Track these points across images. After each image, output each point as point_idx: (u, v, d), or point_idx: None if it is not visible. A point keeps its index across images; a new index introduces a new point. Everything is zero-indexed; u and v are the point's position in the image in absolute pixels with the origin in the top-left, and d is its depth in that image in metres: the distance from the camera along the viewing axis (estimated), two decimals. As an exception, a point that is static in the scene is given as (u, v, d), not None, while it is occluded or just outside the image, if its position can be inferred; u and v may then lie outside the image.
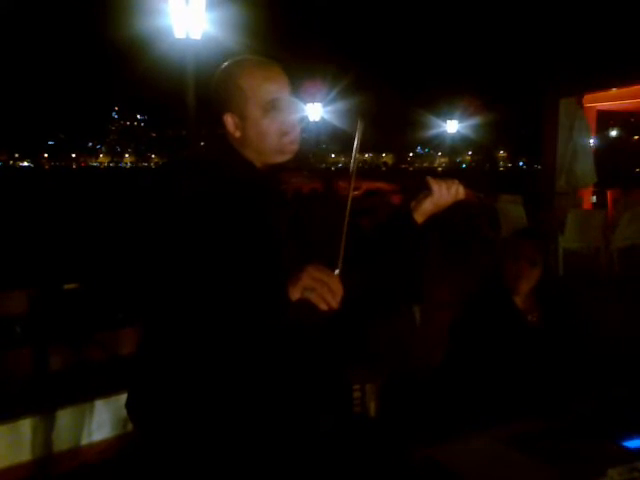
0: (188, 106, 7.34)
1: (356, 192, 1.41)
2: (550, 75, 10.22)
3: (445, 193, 1.51)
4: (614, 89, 9.39)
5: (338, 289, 1.24)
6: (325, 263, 1.32)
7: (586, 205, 9.37)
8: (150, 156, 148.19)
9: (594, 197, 9.57)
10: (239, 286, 1.27)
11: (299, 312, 1.26)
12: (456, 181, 1.53)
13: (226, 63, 1.48)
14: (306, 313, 1.25)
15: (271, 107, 1.43)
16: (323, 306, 1.23)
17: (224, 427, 1.40)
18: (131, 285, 1.36)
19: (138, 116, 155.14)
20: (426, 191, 1.52)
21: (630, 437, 1.69)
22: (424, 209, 1.54)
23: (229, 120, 1.45)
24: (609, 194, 10.22)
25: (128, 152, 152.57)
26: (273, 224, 1.43)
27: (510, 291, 2.22)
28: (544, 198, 9.00)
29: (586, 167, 8.50)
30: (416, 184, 1.53)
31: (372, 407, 2.87)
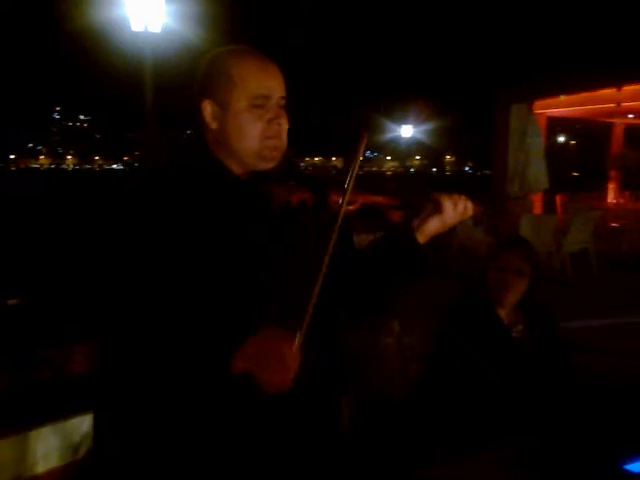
0: (146, 104, 6.92)
1: (351, 207, 1.25)
2: (501, 81, 10.40)
3: (453, 211, 1.35)
4: (562, 96, 9.63)
5: (291, 366, 1.06)
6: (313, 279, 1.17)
7: (537, 210, 9.55)
8: (94, 158, 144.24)
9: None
10: (193, 321, 1.12)
11: (241, 385, 1.08)
12: (464, 197, 1.36)
13: (218, 49, 1.32)
14: (250, 389, 1.07)
15: (260, 103, 1.26)
16: (269, 388, 1.07)
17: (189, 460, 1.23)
18: (87, 299, 1.23)
19: (81, 116, 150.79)
20: (429, 208, 1.35)
21: (631, 459, 1.60)
22: (429, 229, 1.36)
23: (207, 108, 1.28)
24: (558, 199, 10.47)
25: (70, 154, 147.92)
26: (252, 239, 1.26)
27: (494, 303, 2.11)
28: (496, 203, 9.12)
29: (539, 172, 8.66)
30: (419, 199, 1.37)
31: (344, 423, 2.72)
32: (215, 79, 1.28)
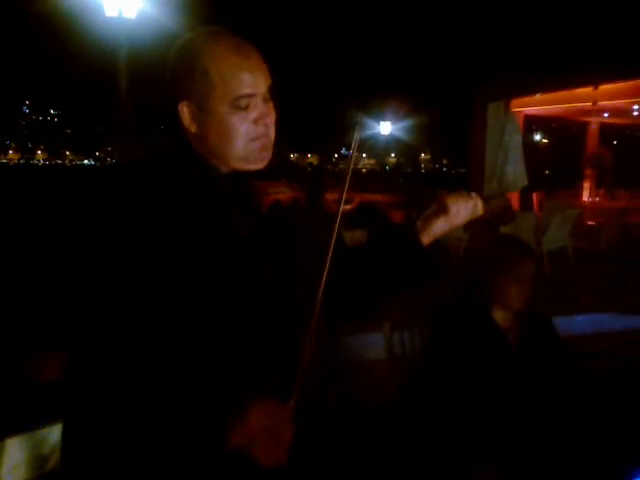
0: (120, 95, 6.53)
1: (348, 206, 1.14)
2: (478, 79, 10.40)
3: (462, 211, 1.25)
4: (539, 95, 9.67)
5: (286, 438, 1.03)
6: (308, 288, 1.09)
7: (514, 208, 9.57)
8: (64, 153, 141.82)
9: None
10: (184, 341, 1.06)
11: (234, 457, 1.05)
12: (475, 195, 1.27)
13: (190, 35, 1.15)
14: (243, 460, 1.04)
15: (243, 104, 1.13)
16: (267, 462, 1.03)
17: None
18: (57, 304, 1.11)
19: (52, 110, 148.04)
20: (434, 208, 1.26)
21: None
22: (434, 229, 1.27)
23: (184, 110, 1.15)
24: (535, 197, 10.53)
25: (40, 148, 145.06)
26: (241, 245, 1.14)
27: (488, 308, 2.01)
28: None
29: (517, 170, 8.67)
30: (422, 198, 1.27)
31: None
32: (190, 77, 1.13)
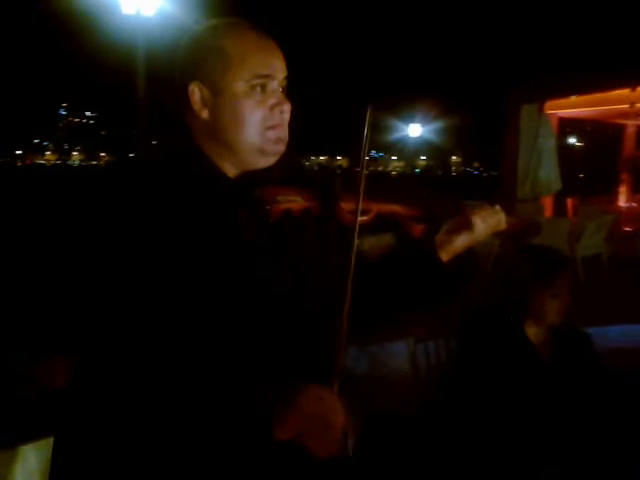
0: (138, 96, 6.50)
1: (365, 217, 1.06)
2: (511, 81, 10.18)
3: (484, 226, 1.17)
4: (574, 97, 9.42)
5: (339, 423, 0.92)
6: (324, 304, 1.04)
7: (548, 213, 9.32)
8: (99, 154, 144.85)
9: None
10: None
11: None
12: (497, 208, 1.19)
13: (206, 23, 1.10)
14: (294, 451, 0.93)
15: (261, 83, 1.06)
16: (320, 453, 0.92)
17: None
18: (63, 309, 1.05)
19: (87, 113, 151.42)
20: (456, 222, 1.17)
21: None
22: (456, 245, 1.18)
23: (195, 92, 1.07)
24: (569, 202, 10.24)
25: (77, 150, 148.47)
26: (249, 257, 1.07)
27: (521, 323, 1.89)
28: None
29: (551, 174, 8.45)
30: (445, 211, 1.18)
31: (350, 445, 2.52)
32: (205, 56, 1.06)
